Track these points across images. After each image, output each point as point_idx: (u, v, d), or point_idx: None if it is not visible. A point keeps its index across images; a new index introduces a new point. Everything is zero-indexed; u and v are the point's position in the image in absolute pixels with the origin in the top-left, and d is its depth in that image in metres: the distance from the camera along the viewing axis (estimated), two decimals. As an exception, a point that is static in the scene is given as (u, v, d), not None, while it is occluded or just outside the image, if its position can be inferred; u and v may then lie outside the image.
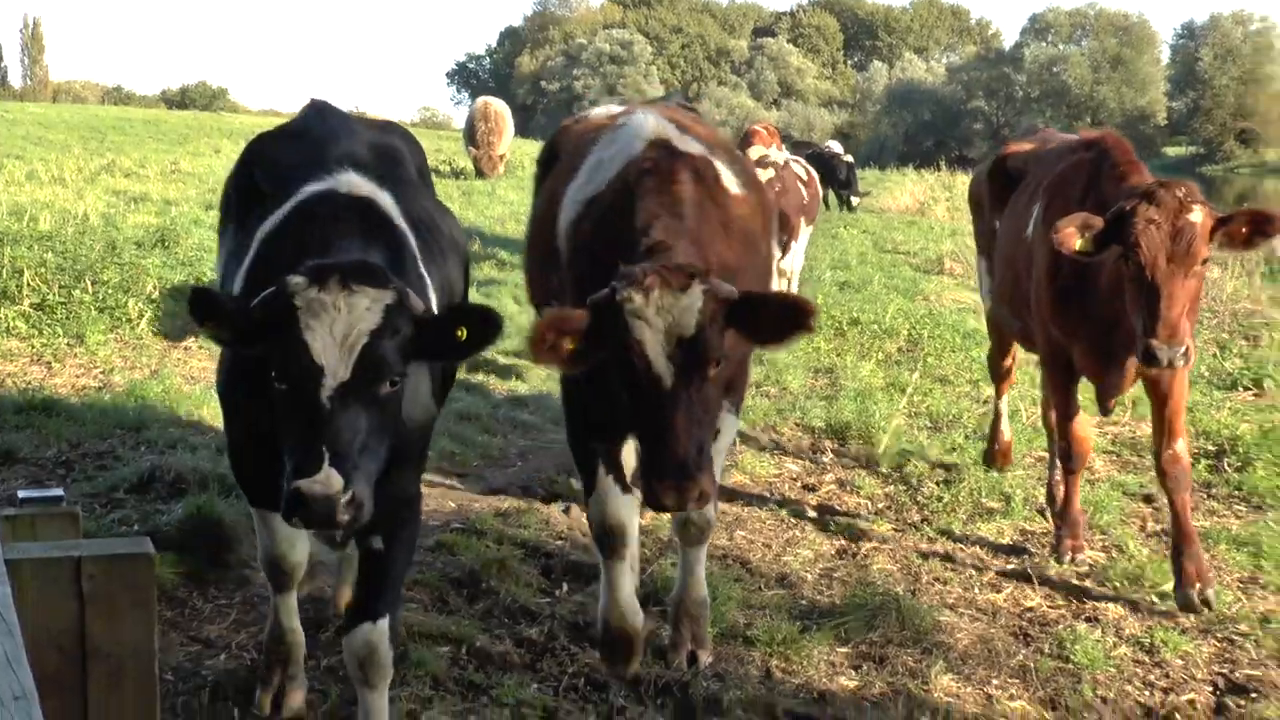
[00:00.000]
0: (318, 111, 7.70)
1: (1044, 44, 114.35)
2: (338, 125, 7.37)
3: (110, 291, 16.28)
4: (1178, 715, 7.65)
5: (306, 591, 7.78)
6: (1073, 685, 7.94)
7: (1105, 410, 9.93)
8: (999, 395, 12.13)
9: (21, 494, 5.08)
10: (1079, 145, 9.93)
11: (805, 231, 20.78)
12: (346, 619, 6.49)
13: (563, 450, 11.91)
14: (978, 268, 12.35)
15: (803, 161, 22.01)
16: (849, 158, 36.18)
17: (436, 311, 6.20)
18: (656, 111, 7.71)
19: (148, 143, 50.45)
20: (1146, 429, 12.84)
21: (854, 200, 37.72)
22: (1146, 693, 7.95)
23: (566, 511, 10.52)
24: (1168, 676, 8.15)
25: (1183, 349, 7.92)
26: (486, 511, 10.28)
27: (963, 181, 50.44)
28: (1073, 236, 8.16)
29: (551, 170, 8.52)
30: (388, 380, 5.51)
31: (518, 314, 16.75)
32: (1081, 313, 9.02)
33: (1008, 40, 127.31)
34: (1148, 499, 11.52)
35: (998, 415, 12.03)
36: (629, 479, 7.41)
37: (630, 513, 7.45)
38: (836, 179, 35.80)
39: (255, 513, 6.79)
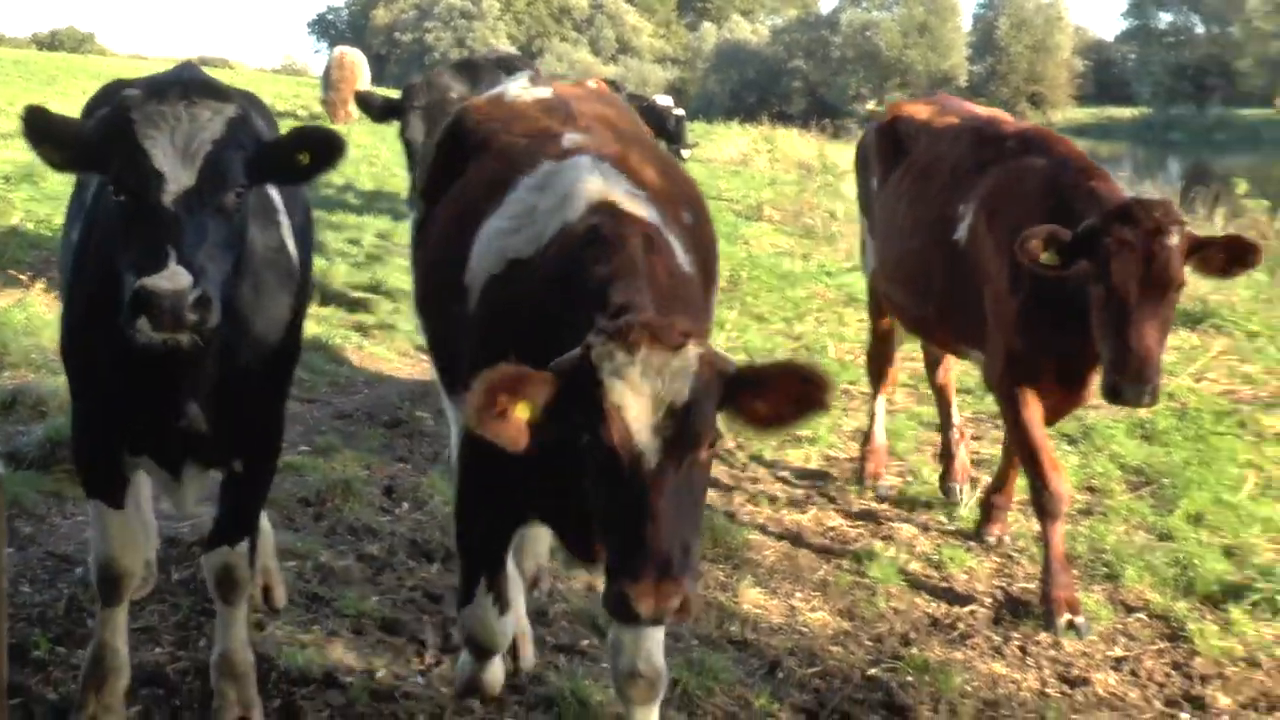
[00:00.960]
0: (181, 68, 7.46)
1: (859, 9, 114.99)
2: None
3: (-24, 223, 15.97)
4: (960, 624, 7.81)
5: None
6: (868, 597, 8.10)
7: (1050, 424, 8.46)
8: (875, 394, 10.45)
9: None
10: (1007, 137, 8.66)
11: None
12: (207, 540, 6.24)
13: (407, 379, 11.89)
14: (862, 232, 10.55)
15: (647, 106, 21.87)
16: (680, 111, 36.06)
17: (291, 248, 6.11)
18: (604, 155, 5.75)
19: (17, 82, 49.27)
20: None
21: (684, 152, 37.63)
22: (934, 604, 8.12)
23: (410, 437, 10.47)
24: (953, 590, 8.33)
25: (1150, 387, 6.92)
26: (333, 435, 10.23)
27: (783, 135, 50.86)
28: (1038, 248, 7.10)
29: (458, 170, 6.56)
30: (232, 190, 5.09)
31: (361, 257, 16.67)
32: (1052, 323, 7.68)
33: (826, 5, 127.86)
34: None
35: (872, 417, 10.37)
36: (510, 593, 5.98)
37: (505, 631, 5.90)
38: (667, 131, 35.61)
39: (92, 507, 6.01)
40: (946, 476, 9.74)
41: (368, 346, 13.48)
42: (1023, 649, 7.58)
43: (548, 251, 5.23)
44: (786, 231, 25.36)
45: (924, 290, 8.86)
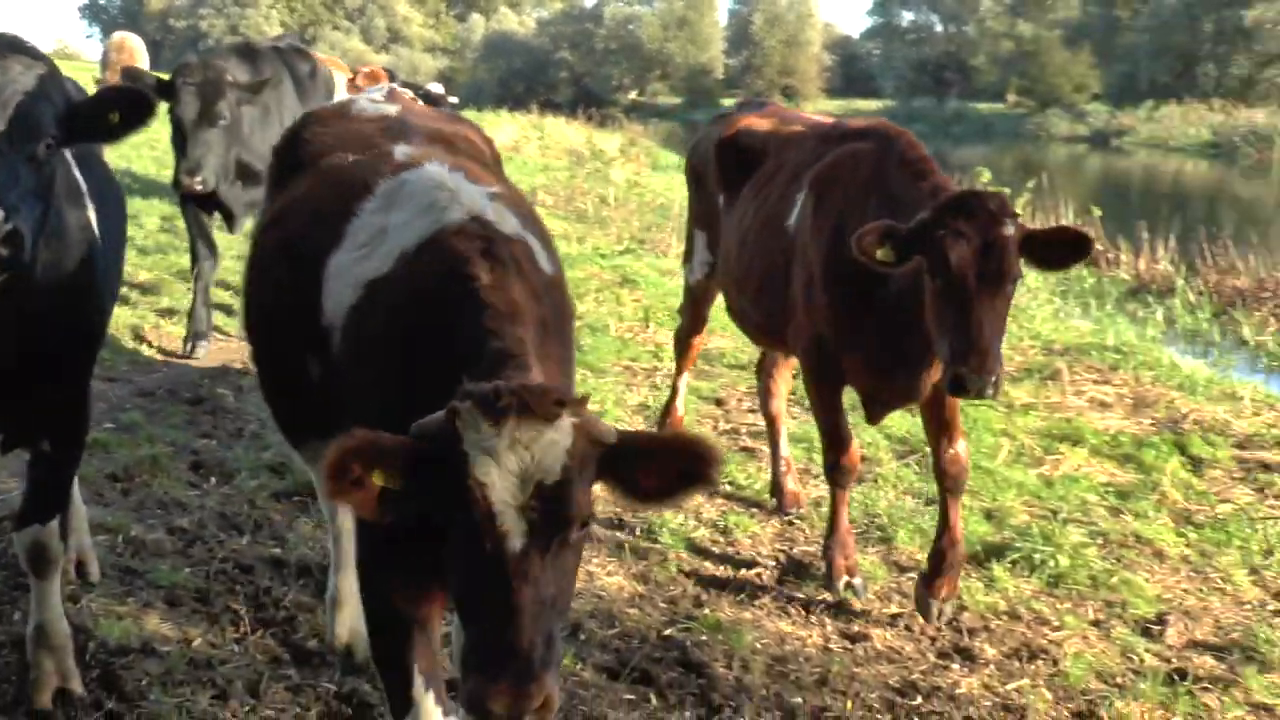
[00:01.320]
0: None
1: (620, 4, 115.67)
2: None
3: None
4: (748, 586, 7.93)
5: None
6: (660, 562, 8.18)
7: (873, 421, 8.24)
8: (680, 372, 10.30)
9: None
10: (849, 133, 8.02)
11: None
12: (17, 517, 6.08)
13: (208, 361, 11.69)
14: (690, 239, 9.83)
15: (423, 94, 21.73)
16: (453, 99, 35.99)
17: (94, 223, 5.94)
18: (444, 164, 5.08)
19: None
20: (722, 341, 13.27)
21: (458, 138, 37.52)
22: (722, 567, 8.22)
23: (212, 414, 10.32)
24: (739, 554, 8.44)
25: (993, 378, 6.38)
26: (136, 413, 10.02)
27: (551, 123, 50.94)
28: (874, 246, 6.53)
29: (289, 186, 5.80)
30: (43, 141, 5.00)
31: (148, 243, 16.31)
32: (865, 318, 7.23)
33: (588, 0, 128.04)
34: (719, 402, 11.91)
35: (675, 392, 10.33)
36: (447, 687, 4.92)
37: None
38: (440, 117, 35.35)
39: None
40: (781, 507, 9.31)
41: (164, 326, 13.17)
42: (806, 608, 7.72)
43: (414, 264, 4.60)
44: (560, 216, 25.34)
45: (768, 291, 8.15)
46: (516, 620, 3.54)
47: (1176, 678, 7.19)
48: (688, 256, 10.02)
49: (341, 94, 14.70)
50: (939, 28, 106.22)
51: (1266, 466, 10.68)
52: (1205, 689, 7.06)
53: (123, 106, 5.36)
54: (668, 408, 10.40)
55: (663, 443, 4.05)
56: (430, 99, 29.06)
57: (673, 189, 31.67)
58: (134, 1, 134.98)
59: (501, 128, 49.21)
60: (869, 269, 6.69)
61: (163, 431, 9.68)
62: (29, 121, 4.99)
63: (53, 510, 6.03)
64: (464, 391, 3.73)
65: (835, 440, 7.87)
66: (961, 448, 7.67)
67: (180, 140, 11.87)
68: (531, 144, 43.69)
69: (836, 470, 7.90)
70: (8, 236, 4.72)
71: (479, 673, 3.56)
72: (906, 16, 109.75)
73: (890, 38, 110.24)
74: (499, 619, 3.57)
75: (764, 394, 9.66)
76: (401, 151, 5.28)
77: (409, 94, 19.61)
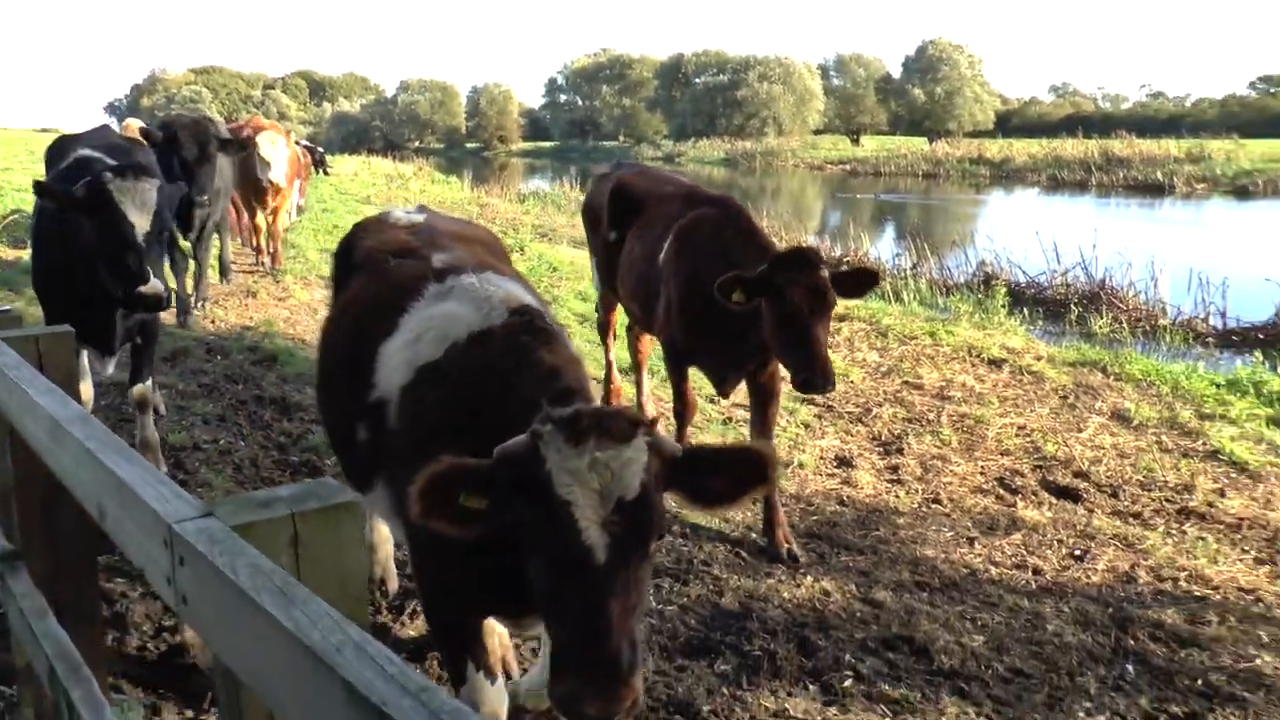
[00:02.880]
0: (102, 129, 7.13)
1: (406, 94, 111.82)
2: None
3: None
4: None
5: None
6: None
7: (724, 395, 6.32)
8: (608, 350, 7.98)
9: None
10: (702, 199, 6.24)
11: (296, 185, 18.70)
12: (129, 380, 6.11)
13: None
14: (593, 263, 7.81)
15: (306, 146, 20.84)
16: (321, 149, 34.52)
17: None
18: (477, 267, 3.47)
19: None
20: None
21: (327, 171, 36.04)
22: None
23: (213, 323, 9.92)
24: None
25: (831, 380, 4.97)
26: (173, 325, 9.50)
27: (375, 161, 48.95)
28: (730, 290, 4.99)
29: (347, 284, 4.01)
30: (167, 230, 5.32)
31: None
32: (709, 333, 5.63)
33: (389, 91, 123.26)
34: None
35: (609, 365, 7.92)
36: (498, 666, 3.43)
37: (502, 702, 3.26)
38: (315, 158, 34.03)
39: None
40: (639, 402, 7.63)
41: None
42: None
43: (464, 348, 3.06)
44: (383, 208, 24.49)
45: (648, 302, 6.37)
46: (605, 630, 2.22)
47: (730, 420, 7.70)
48: (594, 274, 8.02)
49: (268, 141, 12.47)
50: (580, 102, 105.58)
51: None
52: (740, 425, 7.57)
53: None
54: (607, 379, 7.95)
55: (725, 453, 2.56)
56: (312, 149, 28.05)
57: (444, 194, 31.14)
58: (135, 102, 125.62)
59: (346, 164, 47.33)
60: (710, 301, 5.14)
61: (186, 334, 9.41)
62: (161, 219, 5.24)
63: (145, 375, 6.07)
64: (544, 415, 2.37)
65: (679, 394, 6.24)
66: (771, 445, 5.65)
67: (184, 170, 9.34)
68: (365, 171, 42.02)
69: (681, 406, 6.25)
70: (165, 294, 5.15)
71: (573, 675, 2.23)
72: (563, 97, 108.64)
73: (555, 109, 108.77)
74: (588, 629, 2.23)
75: (633, 341, 7.76)
76: (438, 259, 3.64)
77: (304, 145, 18.33)
